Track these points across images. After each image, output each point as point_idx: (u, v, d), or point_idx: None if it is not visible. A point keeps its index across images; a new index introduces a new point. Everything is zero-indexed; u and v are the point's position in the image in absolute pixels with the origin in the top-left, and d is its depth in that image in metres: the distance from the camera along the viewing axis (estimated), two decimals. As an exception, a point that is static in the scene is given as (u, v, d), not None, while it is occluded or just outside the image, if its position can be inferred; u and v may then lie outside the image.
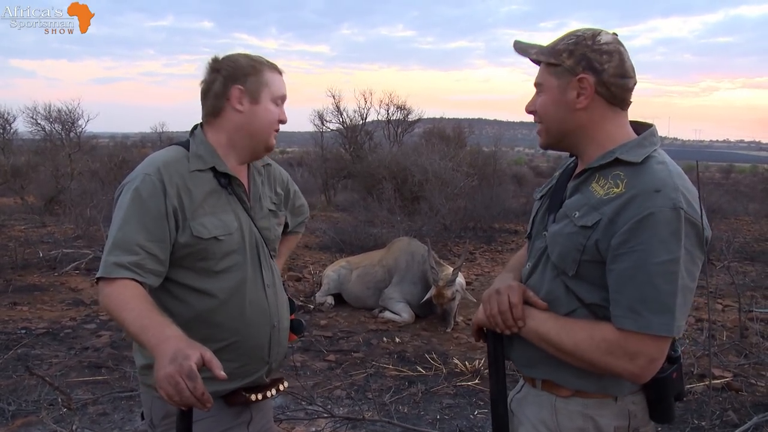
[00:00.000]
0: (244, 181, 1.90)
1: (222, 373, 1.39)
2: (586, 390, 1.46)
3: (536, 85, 1.53)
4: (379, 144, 18.89)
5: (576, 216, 1.43)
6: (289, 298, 2.02)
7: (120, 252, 1.64)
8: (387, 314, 6.61)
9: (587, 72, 1.43)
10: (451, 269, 6.32)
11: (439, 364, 5.08)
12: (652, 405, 1.49)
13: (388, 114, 19.93)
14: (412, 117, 20.27)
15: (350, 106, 22.00)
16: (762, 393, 4.43)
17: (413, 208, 12.91)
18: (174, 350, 1.38)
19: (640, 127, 1.52)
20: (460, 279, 6.37)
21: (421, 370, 4.99)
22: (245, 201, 1.87)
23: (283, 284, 2.03)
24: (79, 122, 17.01)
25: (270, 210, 1.97)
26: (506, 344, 1.57)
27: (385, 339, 5.83)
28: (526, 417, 1.57)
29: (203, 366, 1.38)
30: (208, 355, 1.40)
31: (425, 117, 21.17)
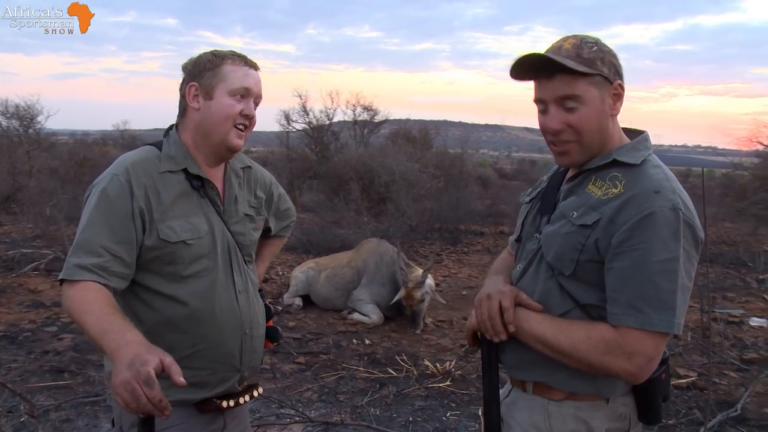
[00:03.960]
0: (219, 184, 1.83)
1: (181, 380, 1.33)
2: (580, 392, 1.46)
3: (566, 98, 1.41)
4: (345, 145, 18.83)
5: (574, 216, 1.43)
6: (266, 304, 1.96)
7: (83, 253, 1.58)
8: (356, 316, 6.57)
9: (617, 77, 1.44)
10: (421, 271, 6.32)
11: (410, 366, 5.06)
12: (641, 406, 1.50)
13: (354, 115, 19.89)
14: (378, 118, 20.26)
15: (317, 107, 21.87)
16: (724, 391, 4.53)
17: (379, 209, 12.89)
18: (132, 355, 1.32)
19: (630, 133, 1.53)
20: (430, 281, 6.38)
21: (392, 372, 4.97)
22: (218, 204, 1.81)
23: (260, 291, 1.97)
24: (39, 118, 16.53)
25: (246, 214, 1.90)
26: (498, 347, 1.56)
27: (354, 341, 5.79)
28: (516, 422, 1.56)
29: (162, 372, 1.33)
30: (168, 360, 1.34)
31: (391, 118, 21.19)
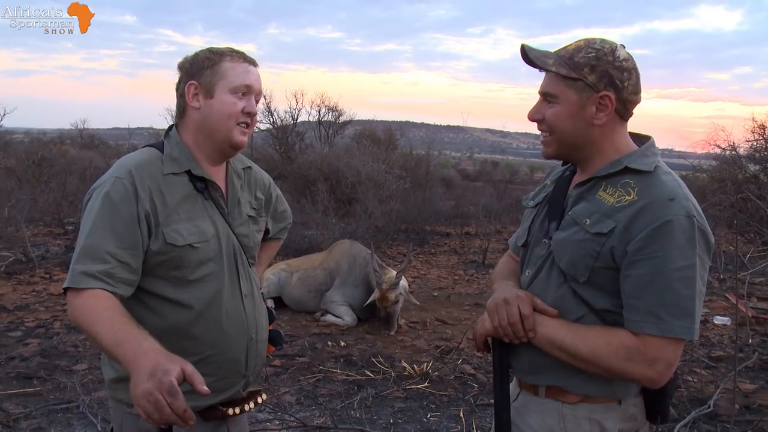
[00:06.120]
0: (222, 185, 1.80)
1: (205, 388, 1.32)
2: (596, 395, 1.47)
3: (547, 94, 1.49)
4: (310, 145, 18.74)
5: (587, 223, 1.43)
6: (267, 308, 1.94)
7: (88, 260, 1.53)
8: (329, 317, 6.53)
9: (609, 89, 1.43)
10: (394, 272, 6.31)
11: (387, 368, 5.05)
12: (651, 406, 1.52)
13: (319, 115, 19.82)
14: (343, 119, 20.23)
15: (281, 107, 21.72)
16: (696, 389, 4.64)
17: (346, 210, 12.85)
18: (153, 365, 1.29)
19: (636, 138, 1.55)
20: (404, 282, 6.37)
21: (370, 373, 4.95)
22: (223, 206, 1.78)
23: (262, 294, 1.95)
24: (-7, 116, 16.03)
25: (249, 216, 1.87)
26: (510, 352, 1.56)
27: (329, 343, 5.75)
28: (528, 426, 1.56)
29: (184, 381, 1.30)
30: (190, 369, 1.32)
31: (355, 119, 21.20)
